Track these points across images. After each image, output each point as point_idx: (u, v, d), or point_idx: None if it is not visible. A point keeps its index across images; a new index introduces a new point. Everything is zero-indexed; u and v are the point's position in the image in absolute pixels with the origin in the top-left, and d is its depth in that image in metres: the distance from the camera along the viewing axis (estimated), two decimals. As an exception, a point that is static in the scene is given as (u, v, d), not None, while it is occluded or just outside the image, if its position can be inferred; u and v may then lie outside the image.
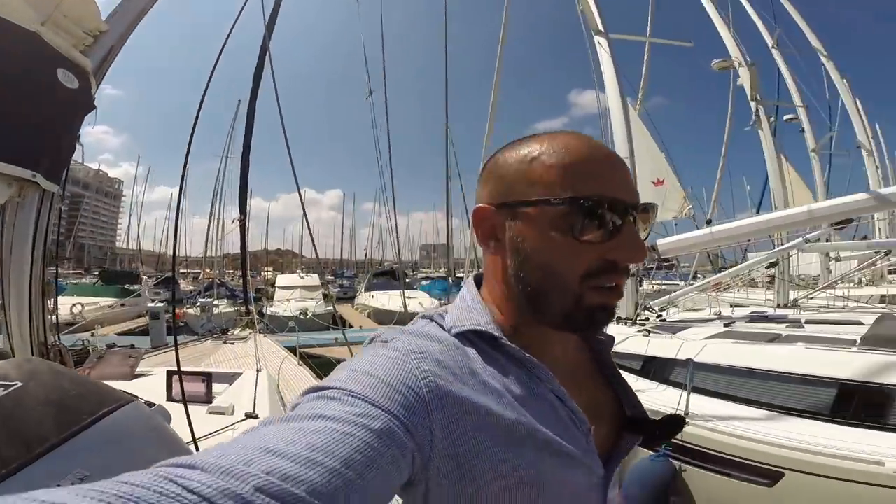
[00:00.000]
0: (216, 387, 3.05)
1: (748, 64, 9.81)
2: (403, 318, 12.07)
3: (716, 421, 3.07)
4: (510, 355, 0.49)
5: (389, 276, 19.90)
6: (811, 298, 6.80)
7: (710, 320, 5.15)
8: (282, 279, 20.82)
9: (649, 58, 14.07)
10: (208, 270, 28.02)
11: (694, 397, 3.30)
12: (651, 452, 3.05)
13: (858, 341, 3.37)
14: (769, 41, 13.33)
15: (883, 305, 7.01)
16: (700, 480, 3.04)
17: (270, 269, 46.16)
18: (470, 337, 0.50)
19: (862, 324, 3.95)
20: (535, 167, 0.49)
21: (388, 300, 15.87)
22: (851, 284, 9.05)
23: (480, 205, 0.52)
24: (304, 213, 4.20)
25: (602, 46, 6.23)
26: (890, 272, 10.58)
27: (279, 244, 78.36)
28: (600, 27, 6.16)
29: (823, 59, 14.84)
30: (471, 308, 0.53)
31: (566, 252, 0.47)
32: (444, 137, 15.86)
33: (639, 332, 4.56)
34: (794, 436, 2.83)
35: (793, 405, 3.14)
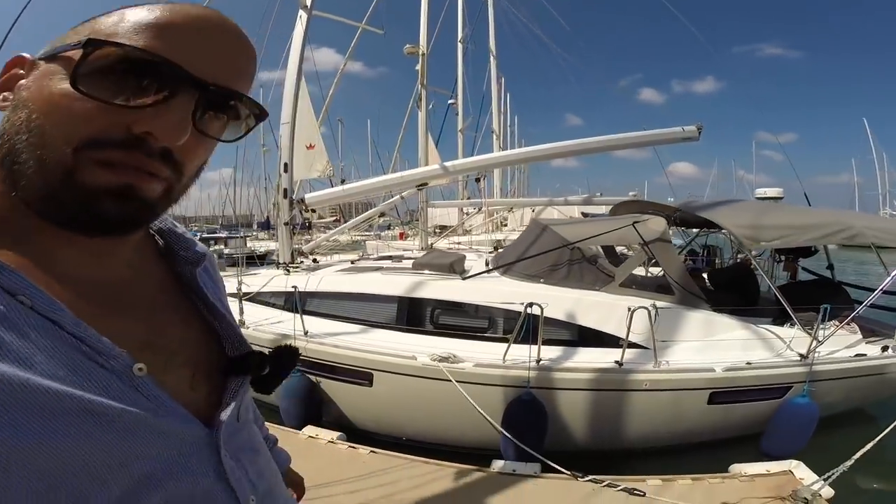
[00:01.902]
0: None
1: (424, 54, 12.03)
2: None
3: (327, 337, 3.59)
4: None
5: None
6: (444, 242, 9.23)
7: (355, 261, 5.68)
8: None
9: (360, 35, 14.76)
10: None
11: (314, 320, 3.81)
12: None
13: (411, 267, 4.36)
14: (459, 35, 15.73)
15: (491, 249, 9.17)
16: (330, 388, 3.52)
17: None
18: None
19: None
20: (100, 19, 0.37)
21: None
22: (481, 232, 11.90)
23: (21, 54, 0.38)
24: None
25: (301, 20, 6.54)
26: (503, 224, 14.62)
27: None
28: (308, 3, 6.38)
29: (492, 58, 19.11)
30: None
31: (61, 106, 0.34)
32: None
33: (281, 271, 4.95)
34: (375, 343, 3.51)
35: (374, 319, 3.89)
